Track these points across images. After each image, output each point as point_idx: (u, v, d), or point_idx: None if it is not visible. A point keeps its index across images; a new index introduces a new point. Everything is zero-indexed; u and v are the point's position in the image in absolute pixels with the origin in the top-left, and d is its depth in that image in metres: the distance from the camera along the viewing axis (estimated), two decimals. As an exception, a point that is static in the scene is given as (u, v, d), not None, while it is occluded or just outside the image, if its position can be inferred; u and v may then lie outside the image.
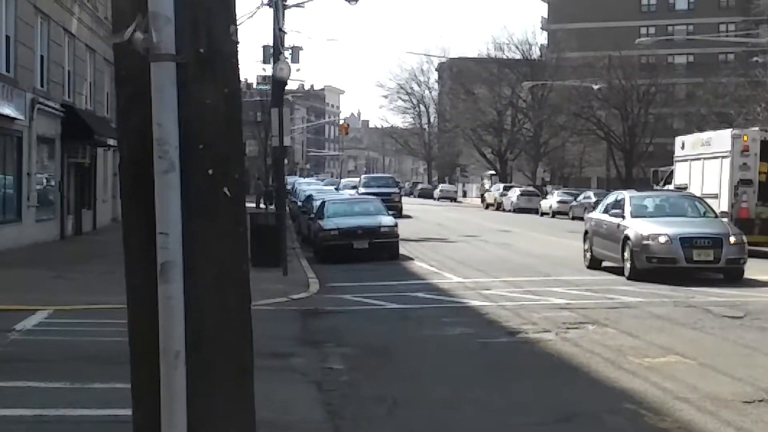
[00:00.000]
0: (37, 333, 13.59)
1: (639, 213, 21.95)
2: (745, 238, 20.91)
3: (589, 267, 23.44)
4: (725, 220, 22.24)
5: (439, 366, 11.55)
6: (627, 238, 20.83)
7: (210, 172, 3.34)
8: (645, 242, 20.28)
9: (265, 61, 48.77)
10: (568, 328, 14.04)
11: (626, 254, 20.85)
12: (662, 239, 20.16)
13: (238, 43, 3.47)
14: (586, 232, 24.37)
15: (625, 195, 23.47)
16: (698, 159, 31.38)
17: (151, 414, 3.31)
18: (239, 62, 3.48)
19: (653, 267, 20.16)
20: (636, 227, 20.89)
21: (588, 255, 23.87)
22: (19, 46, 27.59)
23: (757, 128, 31.47)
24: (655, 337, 13.13)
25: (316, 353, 12.32)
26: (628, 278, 20.25)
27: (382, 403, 9.35)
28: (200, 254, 3.32)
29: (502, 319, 15.23)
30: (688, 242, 20.02)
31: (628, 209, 22.08)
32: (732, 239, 20.21)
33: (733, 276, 20.19)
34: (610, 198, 24.86)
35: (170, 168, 3.26)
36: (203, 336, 3.32)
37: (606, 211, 23.53)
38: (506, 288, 19.46)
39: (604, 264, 22.95)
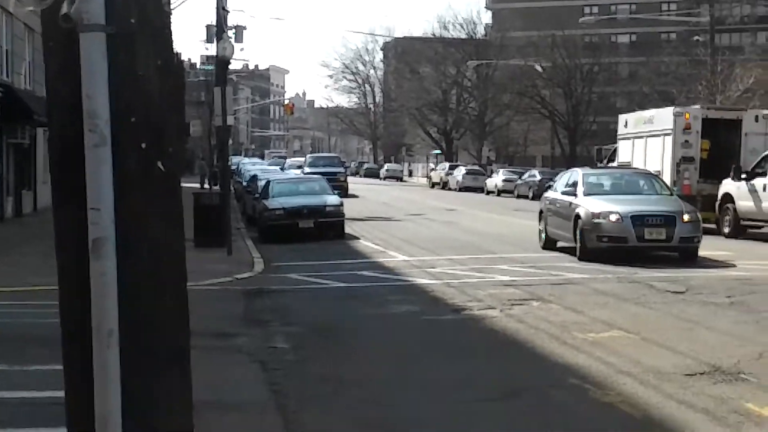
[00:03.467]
0: (-24, 316, 13.34)
1: (592, 191, 21.32)
2: (699, 215, 20.42)
3: (544, 248, 22.57)
4: (676, 197, 21.40)
5: (384, 344, 11.54)
6: (578, 216, 20.20)
7: (143, 146, 3.26)
8: (595, 221, 19.64)
9: (208, 41, 48.16)
10: (512, 305, 14.08)
11: (577, 234, 20.23)
12: (613, 217, 19.50)
13: (170, 13, 3.39)
14: (541, 212, 23.59)
15: (579, 172, 22.98)
16: (641, 137, 31.67)
17: (85, 395, 3.22)
18: (173, 33, 3.39)
19: (604, 246, 19.58)
20: (587, 205, 20.26)
21: (543, 235, 23.12)
22: (-45, 25, 26.99)
23: (698, 106, 31.78)
24: (598, 312, 13.22)
25: (261, 333, 12.23)
26: (580, 258, 19.66)
27: (328, 381, 9.31)
28: (133, 231, 3.23)
29: (447, 296, 15.24)
30: (639, 220, 19.38)
31: (581, 187, 21.45)
32: (686, 217, 19.58)
33: (687, 255, 19.68)
34: (565, 176, 24.17)
35: (101, 142, 3.16)
36: (137, 314, 3.24)
37: (560, 189, 22.76)
38: (451, 266, 19.49)
39: (560, 244, 22.07)
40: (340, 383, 9.25)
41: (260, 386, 9.33)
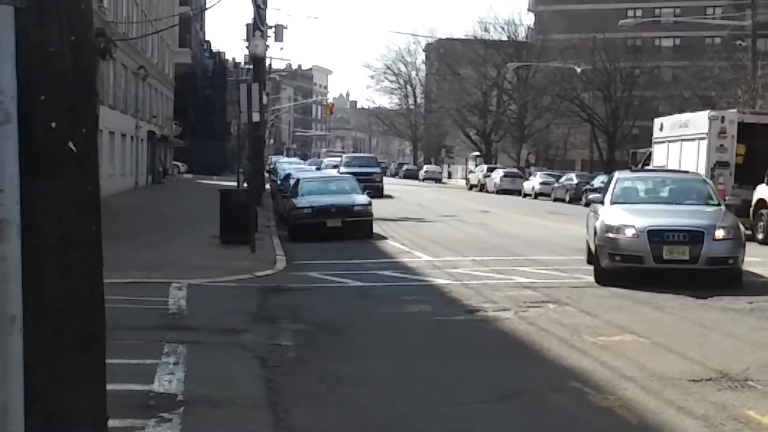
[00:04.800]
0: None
1: (621, 198, 18.15)
2: (741, 231, 16.95)
3: (588, 262, 18.79)
4: (722, 208, 17.75)
5: (390, 343, 11.38)
6: (595, 230, 17.36)
7: (53, 125, 3.14)
8: (609, 235, 16.51)
9: (247, 40, 48.40)
10: (528, 307, 13.88)
11: (593, 250, 17.47)
12: (629, 232, 16.29)
13: (89, -12, 3.26)
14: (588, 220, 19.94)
15: (615, 176, 19.89)
16: (676, 141, 31.21)
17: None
18: (91, 9, 3.26)
19: (618, 267, 16.49)
20: (606, 216, 17.18)
21: (586, 247, 19.75)
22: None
23: (734, 110, 31.26)
24: (613, 316, 12.98)
25: (269, 330, 12.12)
26: (596, 281, 16.65)
27: (324, 379, 9.17)
28: (41, 213, 3.12)
29: (463, 297, 15.05)
30: (658, 236, 16.04)
31: (609, 194, 18.52)
32: (719, 233, 16.07)
33: (719, 279, 16.11)
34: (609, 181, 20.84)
35: (6, 119, 3.05)
36: (44, 301, 3.12)
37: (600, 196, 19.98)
38: (474, 267, 19.28)
39: None
40: (337, 381, 9.11)
41: (257, 382, 9.22)
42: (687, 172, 23.45)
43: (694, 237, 16.04)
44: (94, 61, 3.25)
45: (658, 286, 15.38)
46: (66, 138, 3.15)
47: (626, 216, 16.91)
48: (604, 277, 16.50)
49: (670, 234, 16.10)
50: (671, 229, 16.19)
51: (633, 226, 16.35)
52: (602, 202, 18.49)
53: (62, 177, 3.15)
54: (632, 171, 24.25)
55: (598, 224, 17.17)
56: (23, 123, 3.07)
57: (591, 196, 20.12)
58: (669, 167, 30.21)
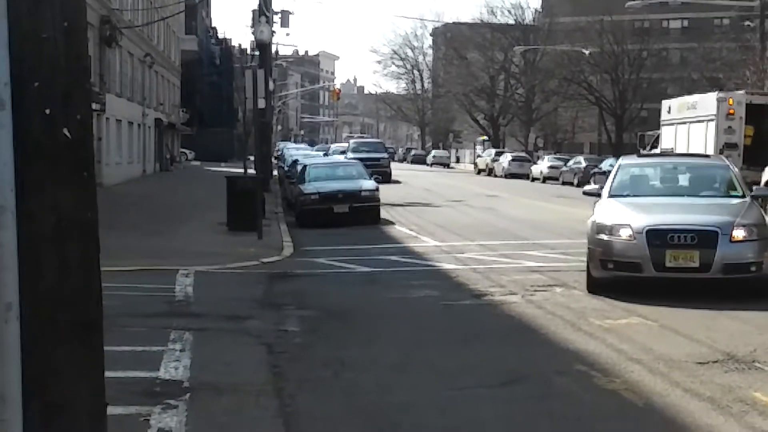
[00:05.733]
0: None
1: (623, 189, 15.06)
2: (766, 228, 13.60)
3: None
4: (747, 200, 14.46)
5: (396, 329, 11.37)
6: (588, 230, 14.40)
7: (47, 111, 3.12)
8: (601, 237, 13.56)
9: (253, 26, 48.31)
10: (535, 291, 13.87)
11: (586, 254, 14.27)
12: (624, 233, 13.30)
13: (82, -28, 3.24)
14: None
15: (618, 163, 16.59)
16: (684, 123, 31.10)
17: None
18: (84, -6, 3.24)
19: (612, 276, 13.59)
20: (600, 213, 14.21)
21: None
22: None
23: (742, 92, 31.13)
24: (621, 299, 12.92)
25: (275, 316, 12.14)
26: (588, 291, 13.69)
27: (330, 365, 9.17)
28: (37, 201, 3.10)
29: (470, 281, 15.05)
30: (659, 238, 13.01)
31: (609, 183, 15.47)
32: (737, 233, 13.08)
33: (741, 289, 13.23)
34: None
35: (0, 106, 3.03)
36: (40, 288, 3.11)
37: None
38: (481, 251, 19.27)
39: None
40: (342, 367, 9.12)
41: (262, 369, 9.23)
42: (706, 155, 21.01)
43: (705, 238, 12.95)
44: (86, 47, 3.23)
45: (659, 298, 12.77)
46: (60, 125, 3.14)
47: (623, 213, 13.84)
48: (596, 288, 13.58)
49: (674, 235, 13.02)
50: (676, 229, 13.11)
51: (629, 226, 13.31)
52: (599, 195, 15.42)
53: (57, 164, 3.14)
54: (640, 156, 20.74)
55: (589, 223, 14.23)
56: (17, 110, 3.06)
57: (587, 188, 16.01)
58: (677, 150, 30.15)
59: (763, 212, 14.95)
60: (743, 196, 14.67)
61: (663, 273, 13.10)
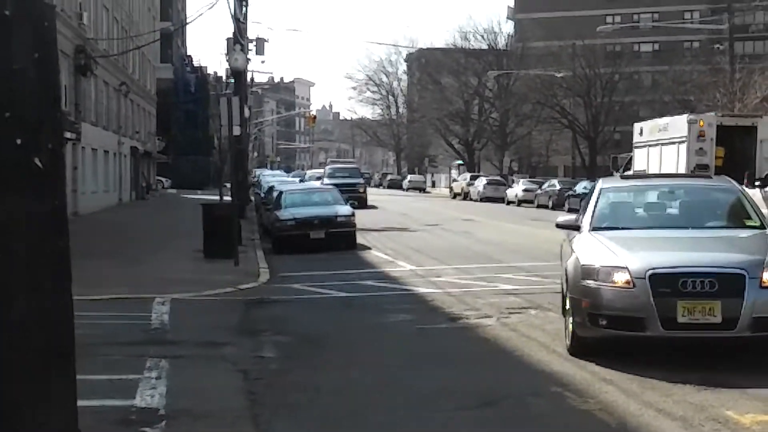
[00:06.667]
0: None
1: (607, 220, 11.96)
2: None
3: (564, 314, 11.83)
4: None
5: (372, 353, 11.41)
6: (566, 274, 11.34)
7: (18, 141, 3.16)
8: (588, 283, 10.36)
9: (228, 54, 48.35)
10: (510, 313, 13.94)
11: (566, 305, 11.31)
12: (619, 278, 10.10)
13: (53, 6, 3.29)
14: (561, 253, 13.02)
15: (598, 186, 12.95)
16: (656, 145, 31.36)
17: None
18: (55, 26, 3.30)
19: (603, 335, 10.34)
20: (583, 251, 10.95)
21: (561, 291, 12.71)
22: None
23: (713, 113, 31.47)
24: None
25: (251, 342, 12.14)
26: (570, 354, 10.65)
27: (306, 391, 9.19)
28: (7, 231, 3.14)
29: (445, 305, 15.10)
30: (668, 285, 9.83)
31: (590, 212, 12.10)
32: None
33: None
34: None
35: (-29, 137, 3.08)
36: (11, 318, 3.13)
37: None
38: (457, 275, 19.34)
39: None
40: (317, 392, 9.14)
41: (238, 395, 9.22)
42: (707, 176, 17.89)
43: (728, 284, 9.78)
44: (57, 77, 3.28)
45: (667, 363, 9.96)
46: (32, 154, 3.18)
47: (614, 251, 10.56)
48: (582, 351, 10.52)
49: (687, 280, 9.81)
50: (689, 272, 9.87)
51: (626, 269, 10.11)
52: (578, 228, 11.99)
53: (28, 193, 3.18)
54: (622, 177, 17.65)
55: (570, 265, 11.10)
56: (-12, 140, 3.10)
57: (560, 219, 12.94)
58: (649, 172, 30.38)
59: None
60: (762, 227, 11.50)
61: (674, 331, 9.85)
